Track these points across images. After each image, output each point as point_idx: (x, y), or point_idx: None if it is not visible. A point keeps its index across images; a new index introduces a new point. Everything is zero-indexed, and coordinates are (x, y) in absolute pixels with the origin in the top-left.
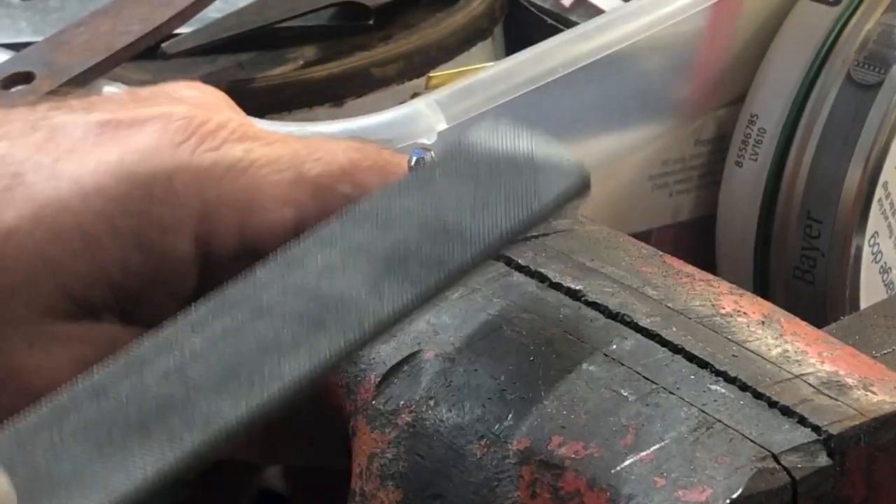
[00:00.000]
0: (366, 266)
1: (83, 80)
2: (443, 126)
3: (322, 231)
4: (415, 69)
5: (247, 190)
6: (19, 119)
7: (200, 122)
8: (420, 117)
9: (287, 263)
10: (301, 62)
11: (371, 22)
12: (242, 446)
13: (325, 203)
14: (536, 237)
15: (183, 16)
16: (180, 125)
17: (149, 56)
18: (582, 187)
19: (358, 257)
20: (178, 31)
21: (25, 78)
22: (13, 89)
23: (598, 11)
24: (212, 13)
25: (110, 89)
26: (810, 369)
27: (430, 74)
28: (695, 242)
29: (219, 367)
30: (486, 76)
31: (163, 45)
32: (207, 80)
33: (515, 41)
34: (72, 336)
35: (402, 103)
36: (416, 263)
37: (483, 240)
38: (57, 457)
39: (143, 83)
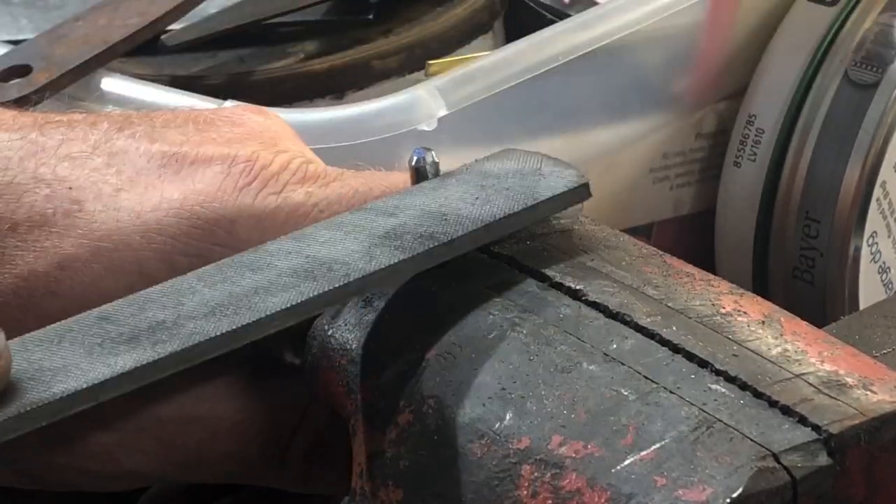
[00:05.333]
0: (364, 240)
1: (80, 73)
2: (443, 112)
3: (333, 218)
4: (415, 62)
5: None
6: (80, 138)
7: (263, 164)
8: (421, 103)
9: (294, 237)
10: (302, 55)
11: (371, 16)
12: (278, 476)
13: None
14: (537, 237)
15: (180, 9)
16: (244, 168)
17: (148, 49)
18: (581, 191)
19: (359, 233)
20: (176, 24)
21: (23, 71)
22: (11, 82)
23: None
24: (211, 7)
25: (109, 81)
26: (810, 369)
27: (430, 62)
28: (696, 236)
29: (212, 302)
30: (487, 63)
31: (162, 37)
32: (208, 73)
33: (515, 35)
34: None
35: None
36: (410, 238)
37: (476, 222)
38: (51, 355)
39: (142, 77)
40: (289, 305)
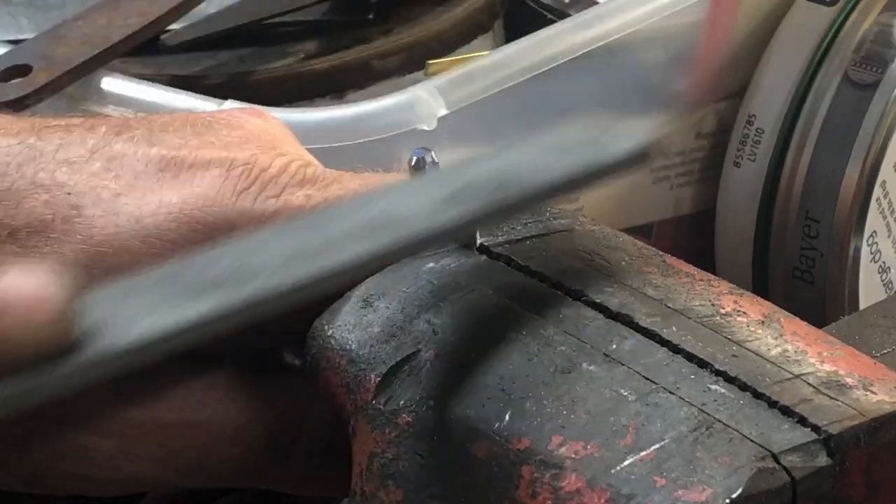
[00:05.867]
0: (433, 195)
1: (80, 73)
2: (443, 112)
3: (394, 184)
4: (415, 62)
5: None
6: (78, 143)
7: (261, 167)
8: (420, 103)
9: (359, 199)
10: (302, 55)
11: (371, 15)
12: (280, 479)
13: None
14: (537, 237)
15: (180, 9)
16: (242, 171)
17: (148, 49)
18: (651, 150)
19: (425, 191)
20: (176, 24)
21: (23, 70)
22: (11, 82)
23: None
24: (211, 7)
25: (109, 81)
26: (810, 369)
27: (430, 62)
28: (696, 236)
29: (282, 255)
30: (487, 63)
31: (162, 37)
32: (208, 73)
33: (515, 36)
34: None
35: None
36: (473, 195)
37: (547, 174)
38: (126, 303)
39: (142, 76)
40: (358, 257)
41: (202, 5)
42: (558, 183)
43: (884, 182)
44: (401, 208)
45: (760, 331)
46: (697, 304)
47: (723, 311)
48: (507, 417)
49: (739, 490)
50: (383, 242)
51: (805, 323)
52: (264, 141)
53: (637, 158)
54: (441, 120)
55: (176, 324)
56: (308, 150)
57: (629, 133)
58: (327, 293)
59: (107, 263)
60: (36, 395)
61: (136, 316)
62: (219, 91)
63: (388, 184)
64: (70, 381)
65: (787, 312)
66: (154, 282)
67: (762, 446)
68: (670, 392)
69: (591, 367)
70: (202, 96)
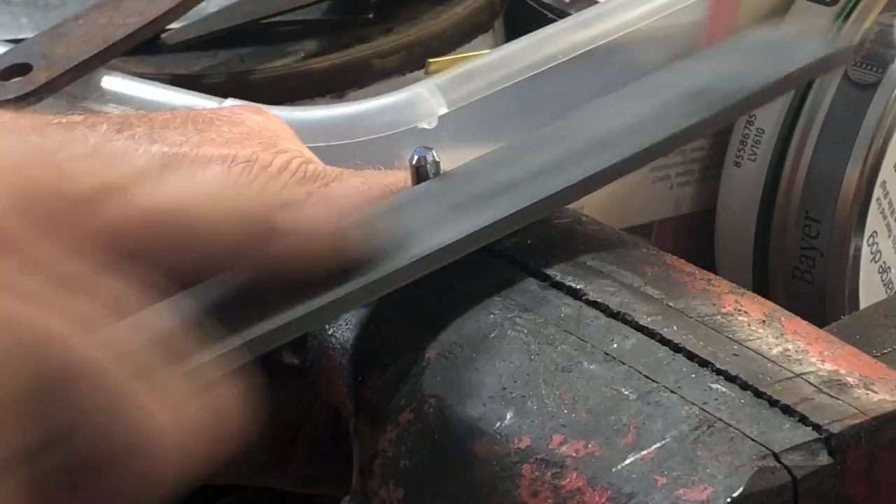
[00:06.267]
0: (646, 109)
1: (80, 72)
2: (443, 110)
3: (601, 99)
4: (415, 61)
5: None
6: (79, 140)
7: (262, 164)
8: (421, 101)
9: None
10: (302, 54)
11: (371, 14)
12: (280, 478)
13: None
14: (537, 236)
15: (180, 8)
16: (244, 168)
17: (148, 48)
18: (845, 52)
19: (641, 104)
20: (176, 23)
21: (23, 69)
22: (11, 81)
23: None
24: (211, 6)
25: (109, 80)
26: (811, 368)
27: (430, 61)
28: (696, 236)
29: (552, 161)
30: (487, 61)
31: (162, 36)
32: (208, 72)
33: (515, 34)
34: None
35: None
36: (707, 97)
37: (759, 79)
38: (418, 213)
39: (142, 75)
40: (625, 157)
41: (202, 4)
42: (762, 89)
43: (884, 182)
44: (647, 108)
45: (761, 330)
46: (698, 303)
47: (723, 310)
48: (507, 416)
49: (740, 489)
50: (636, 149)
51: (806, 322)
52: (265, 138)
53: (840, 56)
54: (441, 118)
55: (474, 227)
56: (308, 148)
57: (815, 39)
58: (594, 190)
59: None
60: (351, 301)
61: (433, 224)
62: (219, 90)
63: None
64: (371, 291)
65: (787, 312)
66: (442, 190)
67: (763, 445)
68: (671, 391)
69: (592, 366)
70: (202, 95)
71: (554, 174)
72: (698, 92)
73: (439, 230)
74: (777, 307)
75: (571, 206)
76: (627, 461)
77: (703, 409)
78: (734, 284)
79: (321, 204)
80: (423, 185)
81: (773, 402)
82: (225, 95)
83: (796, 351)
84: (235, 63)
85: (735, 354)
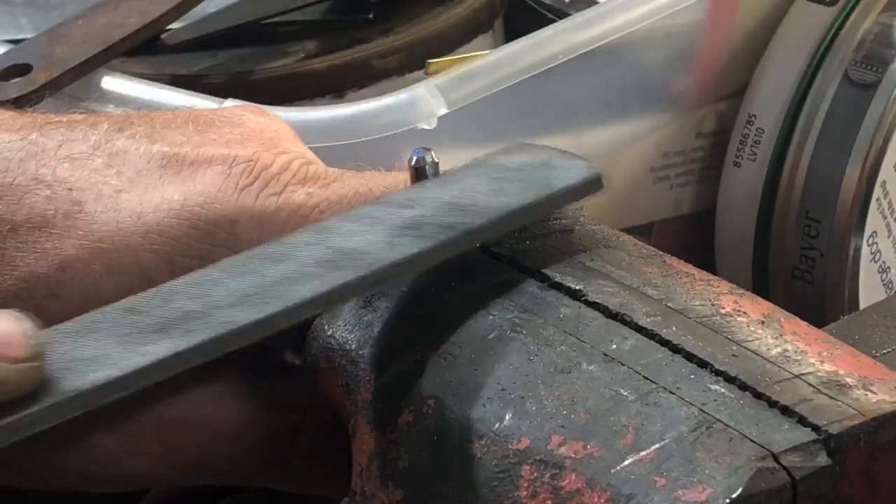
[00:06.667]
0: (384, 230)
1: (80, 72)
2: (443, 111)
3: (349, 211)
4: (415, 61)
5: None
6: (80, 139)
7: (263, 165)
8: (421, 102)
9: (314, 229)
10: (302, 55)
11: (371, 15)
12: (280, 478)
13: None
14: (537, 237)
15: (180, 9)
16: (244, 169)
17: (148, 49)
18: (595, 181)
19: (379, 225)
20: (176, 23)
21: (23, 70)
22: (11, 81)
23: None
24: (211, 6)
25: (109, 80)
26: (810, 369)
27: (430, 61)
28: (696, 236)
29: (239, 292)
30: (487, 62)
31: (162, 37)
32: (208, 72)
33: (515, 35)
34: None
35: None
36: (430, 227)
37: (495, 212)
38: (82, 345)
39: (142, 76)
40: (316, 294)
41: (202, 5)
42: (516, 212)
43: (884, 182)
44: (354, 242)
45: (760, 331)
46: (697, 303)
47: (723, 310)
48: (507, 417)
49: (739, 490)
50: (335, 283)
51: (805, 323)
52: (266, 138)
53: (592, 184)
54: (441, 119)
55: (136, 365)
56: (308, 148)
57: (577, 161)
58: (282, 328)
59: (108, 259)
60: (4, 435)
61: (98, 357)
62: (219, 90)
63: (341, 216)
64: (35, 423)
65: (786, 312)
66: (114, 320)
67: (762, 446)
68: (670, 392)
69: (591, 367)
70: (202, 95)
71: (262, 297)
72: (438, 215)
73: (102, 366)
74: (776, 308)
75: (571, 206)
76: (626, 462)
77: (703, 410)
78: (733, 285)
79: None
80: (91, 315)
81: (772, 403)
82: (225, 96)
83: (795, 352)
84: (235, 63)
85: (734, 355)
